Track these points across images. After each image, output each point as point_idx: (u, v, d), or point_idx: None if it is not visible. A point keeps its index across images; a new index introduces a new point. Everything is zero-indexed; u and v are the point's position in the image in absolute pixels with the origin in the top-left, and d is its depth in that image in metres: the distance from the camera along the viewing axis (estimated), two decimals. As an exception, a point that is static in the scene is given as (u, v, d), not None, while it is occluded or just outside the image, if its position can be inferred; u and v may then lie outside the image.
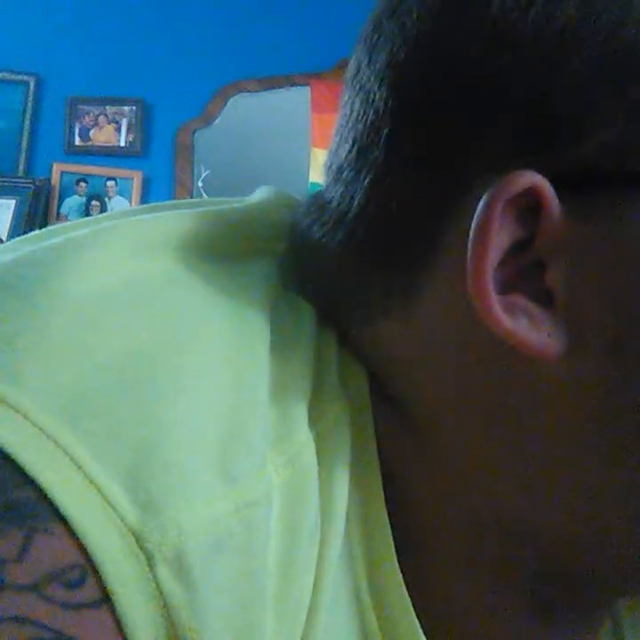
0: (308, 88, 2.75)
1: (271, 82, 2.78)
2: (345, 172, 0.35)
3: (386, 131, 0.33)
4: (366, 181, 0.33)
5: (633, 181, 0.30)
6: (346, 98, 0.36)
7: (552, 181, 0.30)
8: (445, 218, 0.31)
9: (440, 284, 0.32)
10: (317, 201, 0.37)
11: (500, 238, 0.30)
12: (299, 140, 2.71)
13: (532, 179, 0.29)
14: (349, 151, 0.34)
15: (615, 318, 0.30)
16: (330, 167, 0.36)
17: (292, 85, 2.78)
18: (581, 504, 0.32)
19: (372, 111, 0.33)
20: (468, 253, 0.30)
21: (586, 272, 0.30)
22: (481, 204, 0.30)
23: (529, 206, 0.30)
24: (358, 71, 0.35)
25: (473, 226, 0.30)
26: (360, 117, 0.34)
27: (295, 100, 2.76)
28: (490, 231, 0.30)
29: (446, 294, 0.32)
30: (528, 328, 0.30)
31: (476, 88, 0.31)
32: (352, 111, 0.35)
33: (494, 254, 0.30)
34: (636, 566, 0.33)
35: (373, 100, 0.33)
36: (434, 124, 0.32)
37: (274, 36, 2.76)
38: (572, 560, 0.34)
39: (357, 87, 0.35)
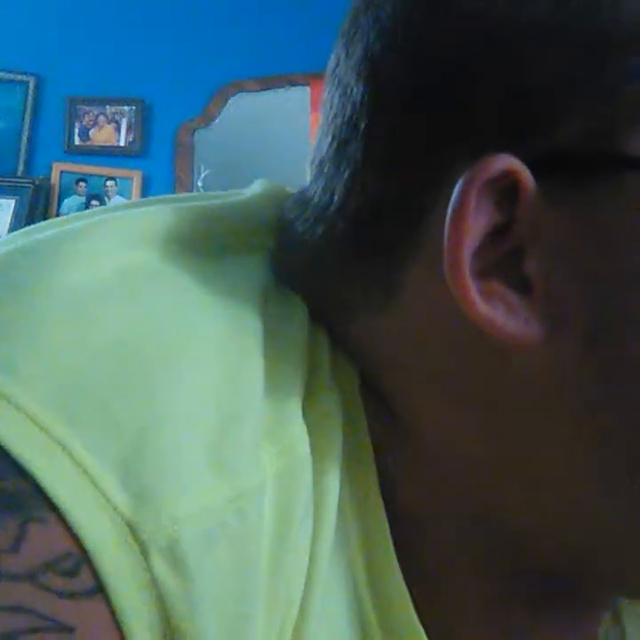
0: (308, 88, 2.75)
1: (271, 82, 2.78)
2: (326, 167, 0.35)
3: (363, 124, 0.33)
4: (345, 175, 0.33)
5: (611, 167, 0.29)
6: (326, 93, 0.36)
7: (531, 167, 0.29)
8: (424, 209, 0.31)
9: (421, 276, 0.32)
10: (302, 197, 0.37)
11: (477, 223, 0.30)
12: (299, 140, 2.71)
13: (507, 161, 0.29)
14: (329, 146, 0.35)
15: (593, 307, 0.30)
16: (313, 162, 0.36)
17: (292, 85, 2.78)
18: (572, 499, 0.32)
19: (349, 105, 0.33)
20: (445, 238, 0.30)
21: (564, 260, 0.30)
22: (456, 188, 0.29)
23: (506, 190, 0.30)
24: (337, 66, 0.35)
25: (449, 210, 0.30)
26: (339, 112, 0.34)
27: (295, 100, 2.76)
28: (466, 215, 0.29)
29: (427, 286, 0.32)
30: (505, 315, 0.30)
31: (450, 76, 0.31)
32: (332, 106, 0.35)
33: (471, 239, 0.30)
34: (634, 566, 0.32)
35: (351, 94, 0.33)
36: (410, 116, 0.32)
37: (274, 36, 2.76)
38: (568, 558, 0.33)
39: (336, 82, 0.35)
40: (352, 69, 0.34)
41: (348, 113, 0.33)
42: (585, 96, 0.29)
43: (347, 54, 0.34)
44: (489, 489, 0.33)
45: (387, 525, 0.33)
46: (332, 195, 0.34)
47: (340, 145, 0.34)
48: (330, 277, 0.34)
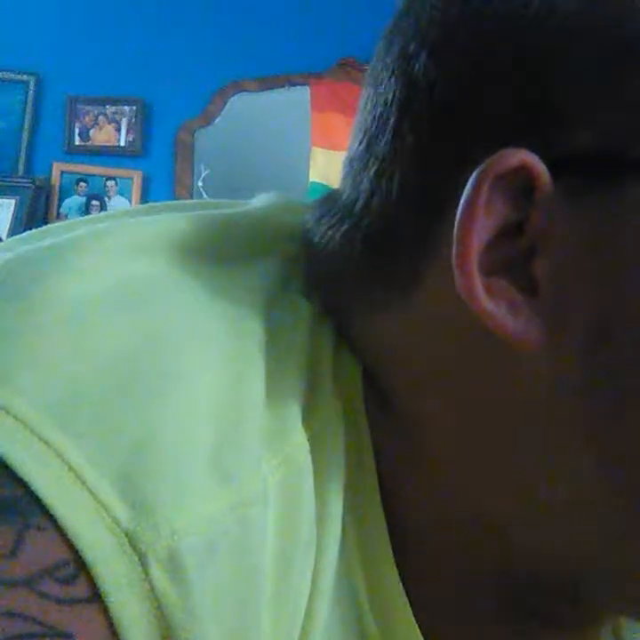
0: (308, 88, 2.75)
1: (271, 82, 2.78)
2: (355, 164, 0.35)
3: (392, 121, 0.33)
4: (372, 172, 0.34)
5: (625, 172, 0.29)
6: (363, 94, 0.36)
7: (547, 167, 0.29)
8: (443, 207, 0.31)
9: (438, 272, 0.32)
10: (331, 195, 0.37)
11: (489, 217, 0.30)
12: (299, 140, 2.71)
13: (523, 156, 0.29)
14: (360, 143, 0.35)
15: (597, 312, 0.29)
16: (344, 161, 0.37)
17: (291, 85, 2.78)
18: (573, 509, 0.31)
19: (381, 102, 0.34)
20: (455, 231, 0.30)
21: (572, 263, 0.30)
22: (470, 180, 0.29)
23: (521, 187, 0.30)
24: (374, 67, 0.36)
25: (461, 202, 0.30)
26: (371, 108, 0.35)
27: (295, 100, 2.76)
28: (477, 208, 0.29)
29: (443, 283, 0.31)
30: (507, 313, 0.30)
31: (475, 75, 0.31)
32: (365, 105, 0.35)
33: (481, 233, 0.30)
34: (631, 583, 0.32)
35: (383, 91, 0.34)
36: (435, 113, 0.32)
37: (274, 36, 2.76)
38: (567, 571, 0.33)
39: (372, 82, 0.35)
40: (387, 68, 0.34)
41: (379, 109, 0.34)
42: (604, 101, 0.29)
43: (385, 54, 0.35)
44: (489, 495, 0.33)
45: (386, 532, 0.33)
46: (359, 191, 0.34)
47: (370, 141, 0.34)
48: (351, 273, 0.34)
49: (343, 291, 0.35)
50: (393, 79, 0.34)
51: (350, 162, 0.36)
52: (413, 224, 0.32)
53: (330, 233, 0.35)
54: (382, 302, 0.34)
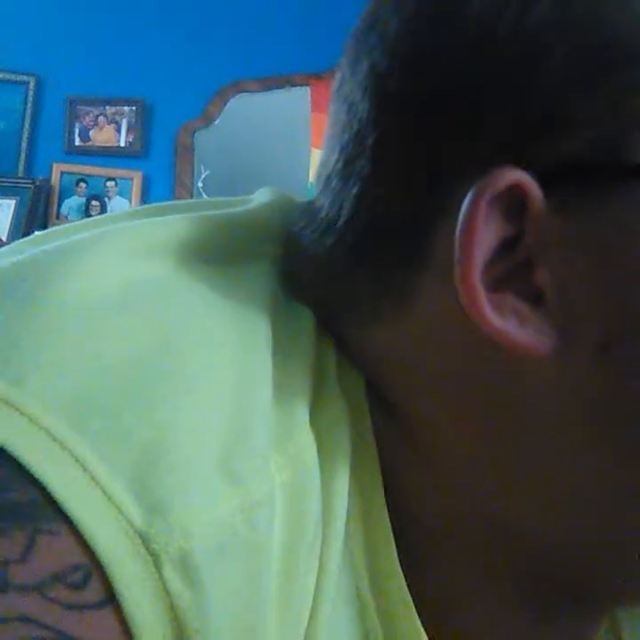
0: (308, 88, 2.76)
1: (271, 82, 2.79)
2: (333, 182, 0.35)
3: (370, 140, 0.33)
4: (354, 191, 0.33)
5: (617, 176, 0.29)
6: (332, 110, 0.36)
7: (538, 178, 0.30)
8: (432, 221, 0.31)
9: (430, 286, 0.32)
10: (309, 208, 0.37)
11: (488, 236, 0.30)
12: (299, 140, 2.72)
13: (514, 175, 0.29)
14: (337, 161, 0.35)
15: (605, 316, 0.30)
16: (319, 176, 0.37)
17: (292, 85, 2.78)
18: (579, 510, 0.31)
19: (356, 121, 0.34)
20: (456, 252, 0.30)
21: (574, 270, 0.30)
22: (465, 202, 0.30)
23: (515, 203, 0.30)
24: (342, 84, 0.35)
25: (459, 224, 0.30)
26: (346, 128, 0.34)
27: (295, 100, 2.76)
28: (476, 229, 0.29)
29: (436, 297, 0.32)
30: (517, 326, 0.30)
31: (454, 91, 0.31)
32: (337, 122, 0.35)
33: (482, 252, 0.30)
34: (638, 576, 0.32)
35: (357, 111, 0.34)
36: (416, 130, 0.32)
37: (274, 36, 2.76)
38: (571, 568, 0.33)
39: (342, 99, 0.35)
40: (358, 87, 0.34)
41: (354, 129, 0.34)
42: (589, 108, 0.29)
43: (352, 72, 0.34)
44: (492, 497, 0.33)
45: (390, 531, 0.33)
46: (340, 208, 0.34)
47: (348, 161, 0.34)
48: (339, 287, 0.34)
49: (332, 304, 0.35)
50: (366, 98, 0.33)
51: (327, 178, 0.35)
52: (401, 240, 0.32)
53: (313, 247, 0.35)
54: (374, 315, 0.34)
